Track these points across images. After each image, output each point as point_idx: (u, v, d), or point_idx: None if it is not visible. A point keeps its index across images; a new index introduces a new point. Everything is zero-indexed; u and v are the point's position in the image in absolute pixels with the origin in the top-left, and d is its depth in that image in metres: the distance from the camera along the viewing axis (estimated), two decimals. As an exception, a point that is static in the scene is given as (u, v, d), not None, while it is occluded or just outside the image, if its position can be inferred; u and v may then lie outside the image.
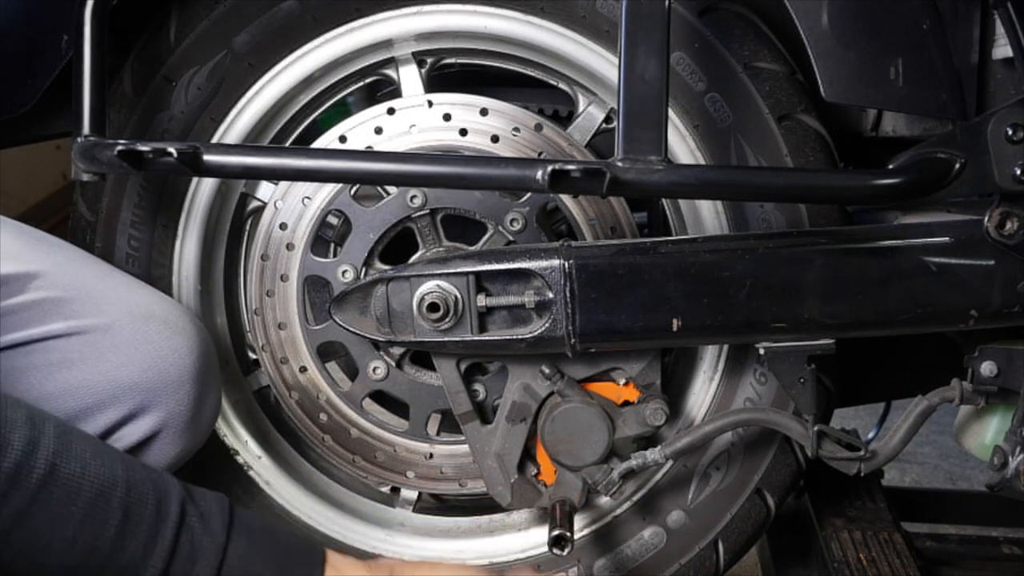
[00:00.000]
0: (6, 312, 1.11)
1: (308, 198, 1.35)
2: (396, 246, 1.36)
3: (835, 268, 1.20)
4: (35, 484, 0.92)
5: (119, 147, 1.12)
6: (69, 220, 1.40)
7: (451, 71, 1.44)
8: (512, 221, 1.32)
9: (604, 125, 1.39)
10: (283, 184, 1.36)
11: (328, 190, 1.34)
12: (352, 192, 1.34)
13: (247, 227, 1.46)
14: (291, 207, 1.36)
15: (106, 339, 1.14)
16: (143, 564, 0.97)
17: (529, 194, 1.31)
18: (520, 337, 1.23)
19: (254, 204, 1.44)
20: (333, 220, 1.42)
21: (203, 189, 1.39)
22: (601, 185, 1.07)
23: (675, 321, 1.20)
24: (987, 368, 1.22)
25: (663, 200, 1.46)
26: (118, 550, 0.96)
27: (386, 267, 1.34)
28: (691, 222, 1.37)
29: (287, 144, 1.42)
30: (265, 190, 1.42)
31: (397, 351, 1.37)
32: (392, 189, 1.33)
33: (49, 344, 1.13)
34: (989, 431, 1.32)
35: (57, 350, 1.13)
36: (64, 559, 0.94)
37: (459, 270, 1.24)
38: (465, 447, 1.37)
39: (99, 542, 0.95)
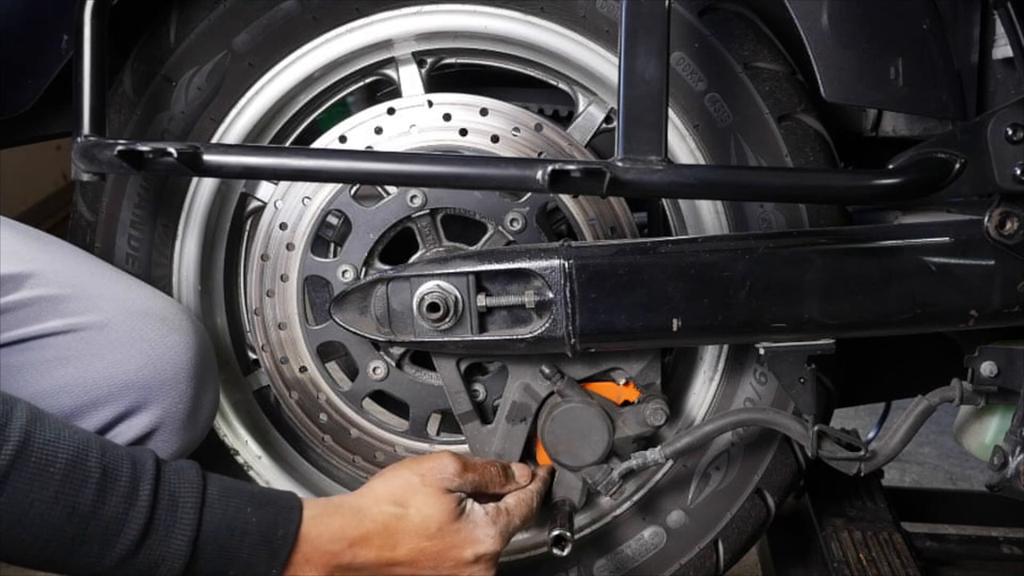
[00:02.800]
0: (3, 310, 1.11)
1: (308, 198, 1.35)
2: (396, 246, 1.36)
3: (835, 268, 1.20)
4: (12, 449, 0.94)
5: (119, 147, 1.12)
6: (69, 220, 1.40)
7: (451, 71, 1.44)
8: (512, 221, 1.32)
9: (604, 125, 1.39)
10: (283, 184, 1.36)
11: (328, 190, 1.34)
12: (352, 192, 1.34)
13: (247, 227, 1.46)
14: (291, 207, 1.36)
15: (102, 336, 1.14)
16: (127, 516, 0.99)
17: (529, 194, 1.31)
18: (520, 337, 1.23)
19: (254, 204, 1.44)
20: (333, 220, 1.42)
21: (203, 189, 1.39)
22: (601, 185, 1.07)
23: (675, 321, 1.20)
24: (987, 368, 1.22)
25: (663, 200, 1.46)
26: (100, 505, 0.98)
27: (386, 267, 1.34)
28: (691, 222, 1.37)
29: (287, 144, 1.42)
30: (265, 190, 1.42)
31: (397, 351, 1.37)
32: (392, 189, 1.33)
33: (45, 341, 1.13)
34: (989, 431, 1.32)
35: (53, 347, 1.13)
36: (47, 518, 0.96)
37: (459, 270, 1.24)
38: (465, 447, 1.37)
39: (80, 499, 0.97)
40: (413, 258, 1.34)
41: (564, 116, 1.64)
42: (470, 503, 1.18)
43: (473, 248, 1.33)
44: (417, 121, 1.33)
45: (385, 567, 1.13)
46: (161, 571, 1.01)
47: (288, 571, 1.07)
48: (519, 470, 1.29)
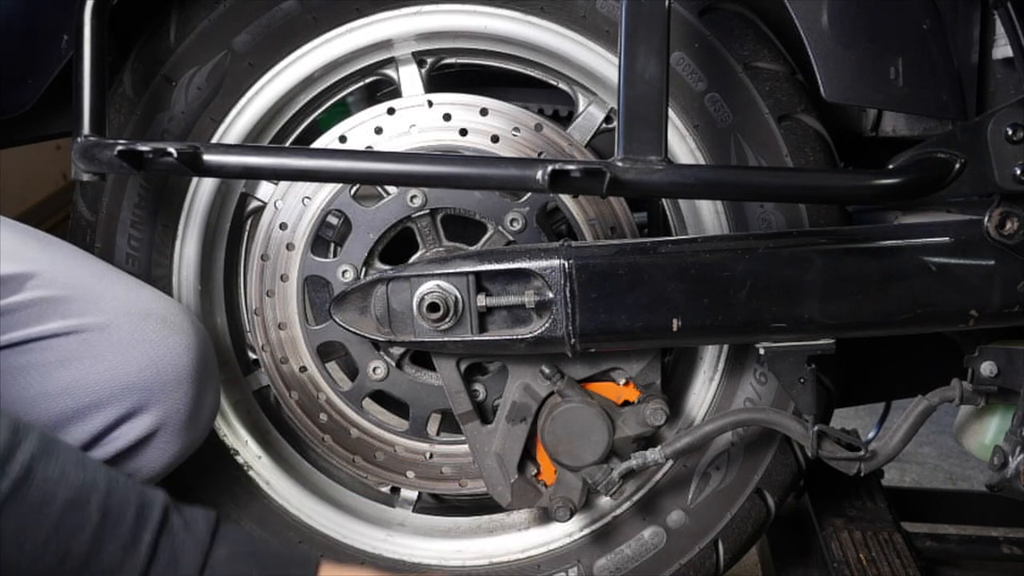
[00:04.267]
0: (4, 311, 1.11)
1: (308, 198, 1.35)
2: (396, 246, 1.36)
3: (835, 268, 1.20)
4: (7, 489, 0.90)
5: (119, 147, 1.12)
6: (69, 220, 1.40)
7: (451, 71, 1.44)
8: (512, 221, 1.32)
9: (604, 125, 1.39)
10: (283, 184, 1.36)
11: (328, 190, 1.34)
12: (352, 192, 1.34)
13: (247, 227, 1.46)
14: (291, 207, 1.36)
15: (103, 338, 1.14)
16: (121, 567, 0.94)
17: (529, 194, 1.31)
18: (520, 337, 1.23)
19: (254, 204, 1.44)
20: (333, 220, 1.42)
21: (203, 189, 1.39)
22: (601, 185, 1.07)
23: (675, 321, 1.20)
24: (987, 368, 1.22)
25: (663, 200, 1.46)
26: (95, 553, 0.93)
27: (386, 267, 1.34)
28: (691, 222, 1.37)
29: (287, 144, 1.42)
30: (265, 190, 1.42)
31: (397, 351, 1.37)
32: (392, 189, 1.34)
33: (47, 343, 1.13)
34: (989, 431, 1.32)
35: (55, 349, 1.13)
36: (37, 563, 0.92)
37: (459, 270, 1.24)
38: (465, 447, 1.37)
39: (74, 545, 0.92)
40: (413, 258, 1.34)
41: (564, 116, 1.64)
42: None
43: (473, 248, 1.33)
44: (417, 121, 1.33)
45: None
46: None
47: None
48: None
